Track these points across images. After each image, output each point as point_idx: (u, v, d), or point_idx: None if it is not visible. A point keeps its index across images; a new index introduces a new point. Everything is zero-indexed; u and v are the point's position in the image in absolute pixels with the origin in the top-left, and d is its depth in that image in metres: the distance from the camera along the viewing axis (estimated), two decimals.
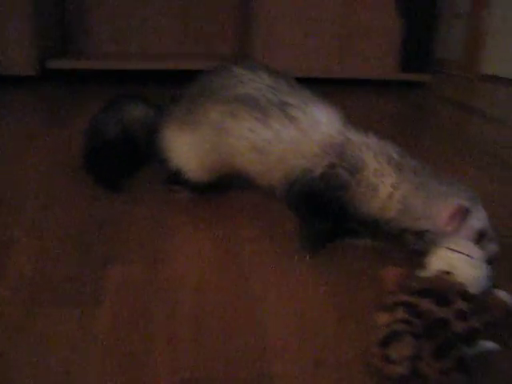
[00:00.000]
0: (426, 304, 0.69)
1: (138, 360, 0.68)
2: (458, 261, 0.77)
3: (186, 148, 1.11)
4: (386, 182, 0.93)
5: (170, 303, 0.80)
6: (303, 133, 0.99)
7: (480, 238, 0.86)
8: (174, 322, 0.76)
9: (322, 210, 0.99)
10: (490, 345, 0.72)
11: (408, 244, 0.94)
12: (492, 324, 0.76)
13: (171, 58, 2.66)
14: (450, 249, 0.79)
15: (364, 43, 2.60)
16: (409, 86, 2.72)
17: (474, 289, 0.76)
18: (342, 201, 0.96)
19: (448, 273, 0.76)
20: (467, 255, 0.78)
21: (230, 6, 2.90)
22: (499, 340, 0.73)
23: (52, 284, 0.84)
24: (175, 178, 1.16)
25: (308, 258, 0.95)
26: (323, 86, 2.50)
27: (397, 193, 0.92)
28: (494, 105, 2.62)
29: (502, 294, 0.80)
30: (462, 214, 0.87)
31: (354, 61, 2.62)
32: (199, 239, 1.02)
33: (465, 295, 0.72)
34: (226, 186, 1.20)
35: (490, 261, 0.80)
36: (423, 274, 0.80)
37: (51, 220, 1.07)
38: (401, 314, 0.69)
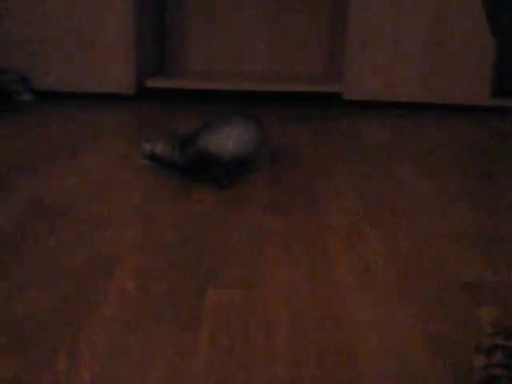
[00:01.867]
0: None
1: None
2: None
3: None
4: None
5: (267, 327, 0.83)
6: None
7: None
8: (271, 348, 0.78)
9: None
10: None
11: None
12: None
13: (261, 79, 2.72)
14: None
15: (453, 67, 2.55)
16: (495, 112, 2.63)
17: None
18: None
19: None
20: None
21: (321, 27, 2.96)
22: None
23: (153, 303, 0.89)
24: None
25: None
26: (399, 109, 2.49)
27: None
28: None
29: None
30: None
31: (442, 85, 2.57)
32: (294, 266, 1.04)
33: None
34: None
35: None
36: None
37: (152, 237, 1.13)
38: (498, 357, 0.68)
